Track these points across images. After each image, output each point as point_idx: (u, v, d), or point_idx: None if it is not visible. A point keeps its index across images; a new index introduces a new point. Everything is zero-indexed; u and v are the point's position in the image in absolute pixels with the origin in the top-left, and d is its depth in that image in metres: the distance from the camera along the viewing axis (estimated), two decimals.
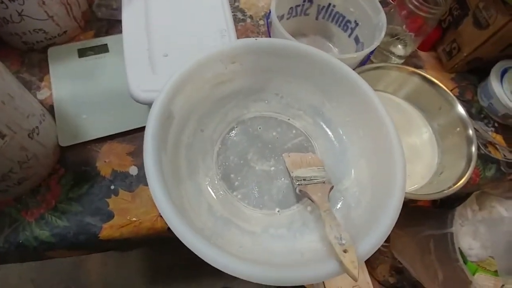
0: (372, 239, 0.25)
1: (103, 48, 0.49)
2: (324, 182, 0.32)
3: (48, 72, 0.46)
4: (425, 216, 0.64)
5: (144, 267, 0.90)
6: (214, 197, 0.33)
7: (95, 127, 0.42)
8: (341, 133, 0.37)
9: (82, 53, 0.48)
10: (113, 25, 0.51)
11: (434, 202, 0.65)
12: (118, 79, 0.45)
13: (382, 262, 0.79)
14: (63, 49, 0.47)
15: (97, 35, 0.50)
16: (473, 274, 0.54)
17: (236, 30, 0.57)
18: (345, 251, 0.24)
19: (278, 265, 0.27)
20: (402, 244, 0.68)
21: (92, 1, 0.52)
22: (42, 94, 0.45)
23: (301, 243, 0.31)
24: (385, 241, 0.78)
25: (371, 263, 0.80)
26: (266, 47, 0.34)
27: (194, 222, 0.28)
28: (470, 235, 0.57)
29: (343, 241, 0.25)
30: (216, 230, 0.29)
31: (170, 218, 0.23)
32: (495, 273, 0.55)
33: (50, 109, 0.43)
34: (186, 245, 0.22)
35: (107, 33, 0.51)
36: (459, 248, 0.55)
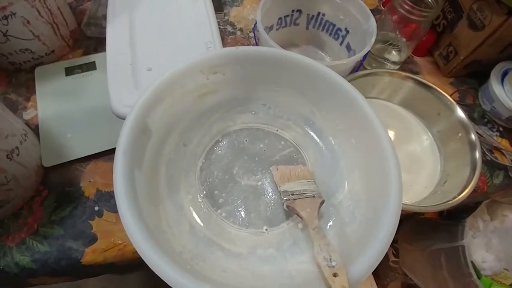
0: (367, 259, 0.23)
1: (91, 66, 0.48)
2: (314, 196, 0.30)
3: (35, 92, 0.45)
4: (434, 229, 0.61)
5: None
6: (196, 216, 0.30)
7: (80, 146, 0.41)
8: (333, 142, 0.35)
9: (69, 71, 0.47)
10: (102, 43, 0.51)
11: (441, 213, 0.61)
12: (104, 96, 0.44)
13: (393, 279, 0.75)
14: (50, 68, 0.47)
15: (86, 53, 0.50)
16: None
17: (227, 43, 0.57)
18: (335, 274, 0.21)
19: None
20: (411, 259, 0.64)
21: (81, 20, 0.52)
22: (28, 114, 0.44)
23: (291, 265, 0.28)
24: (395, 256, 0.73)
25: (381, 281, 0.76)
26: (247, 56, 0.33)
27: (172, 245, 0.26)
28: (482, 247, 0.53)
29: (333, 263, 0.22)
30: (198, 253, 0.27)
31: (136, 239, 0.21)
32: (511, 286, 0.51)
33: (36, 129, 0.42)
34: (153, 269, 0.20)
35: (96, 51, 0.51)
36: (471, 261, 0.51)
